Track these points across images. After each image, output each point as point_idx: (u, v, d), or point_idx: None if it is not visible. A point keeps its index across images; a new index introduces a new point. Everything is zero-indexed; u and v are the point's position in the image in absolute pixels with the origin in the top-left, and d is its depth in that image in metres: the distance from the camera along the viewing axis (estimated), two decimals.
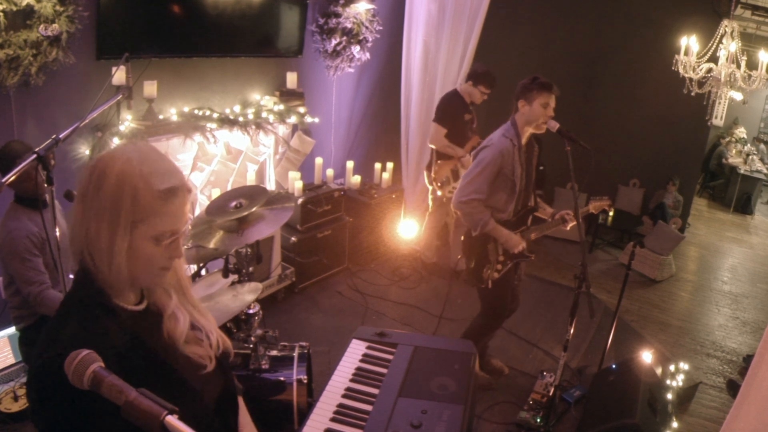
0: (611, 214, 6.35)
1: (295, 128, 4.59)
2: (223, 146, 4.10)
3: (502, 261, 3.17)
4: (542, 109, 2.96)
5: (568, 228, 3.22)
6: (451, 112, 4.48)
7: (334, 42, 4.67)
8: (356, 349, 2.10)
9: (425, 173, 4.76)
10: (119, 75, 3.01)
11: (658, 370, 3.49)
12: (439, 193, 4.68)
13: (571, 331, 2.99)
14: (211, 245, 2.60)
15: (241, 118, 4.05)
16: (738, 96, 6.83)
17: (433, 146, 4.60)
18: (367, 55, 4.98)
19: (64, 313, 1.14)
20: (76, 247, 1.15)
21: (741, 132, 10.14)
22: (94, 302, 1.13)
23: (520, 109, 3.03)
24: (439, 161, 4.59)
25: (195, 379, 1.24)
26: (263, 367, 2.64)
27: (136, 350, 1.13)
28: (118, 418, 0.94)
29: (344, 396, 1.86)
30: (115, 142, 3.31)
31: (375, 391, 1.88)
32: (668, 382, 3.52)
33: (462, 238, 3.28)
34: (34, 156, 1.99)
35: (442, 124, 4.46)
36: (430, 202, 4.85)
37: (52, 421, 1.04)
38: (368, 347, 2.11)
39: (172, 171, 1.17)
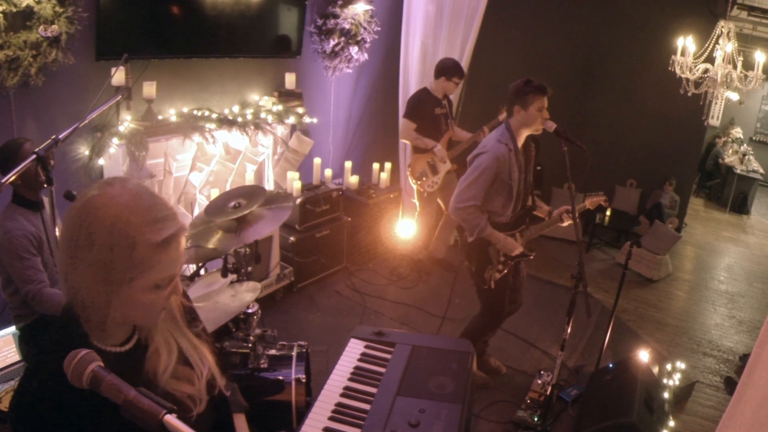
0: (608, 213, 6.38)
1: (293, 128, 4.60)
2: (222, 146, 4.10)
3: (503, 261, 3.19)
4: (538, 112, 2.98)
5: (565, 224, 3.24)
6: (420, 107, 4.59)
7: (332, 43, 4.69)
8: (354, 349, 2.11)
9: (408, 171, 4.82)
10: (118, 76, 3.02)
11: (655, 369, 3.51)
12: (414, 186, 4.77)
13: (569, 330, 3.01)
14: (210, 245, 2.61)
15: (239, 119, 4.06)
16: (734, 96, 6.86)
17: (404, 141, 4.81)
18: (365, 55, 4.99)
19: (47, 350, 1.11)
20: (67, 295, 1.08)
21: (737, 132, 10.16)
22: (75, 345, 1.05)
23: (515, 114, 3.04)
24: (414, 155, 4.72)
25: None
26: (262, 366, 2.65)
27: None
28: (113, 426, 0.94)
29: (342, 395, 1.87)
30: (115, 142, 3.32)
31: (373, 390, 1.89)
32: (665, 381, 3.54)
33: (459, 240, 3.30)
34: (34, 156, 2.01)
35: (411, 119, 4.60)
36: (417, 202, 4.89)
37: None
38: (366, 346, 2.12)
39: (166, 216, 1.08)
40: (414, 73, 5.27)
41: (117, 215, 1.02)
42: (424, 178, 4.66)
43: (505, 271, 3.21)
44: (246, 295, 2.62)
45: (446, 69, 4.55)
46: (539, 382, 3.58)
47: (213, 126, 3.87)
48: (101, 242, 1.01)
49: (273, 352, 2.74)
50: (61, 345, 1.08)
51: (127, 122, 3.39)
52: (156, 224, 1.05)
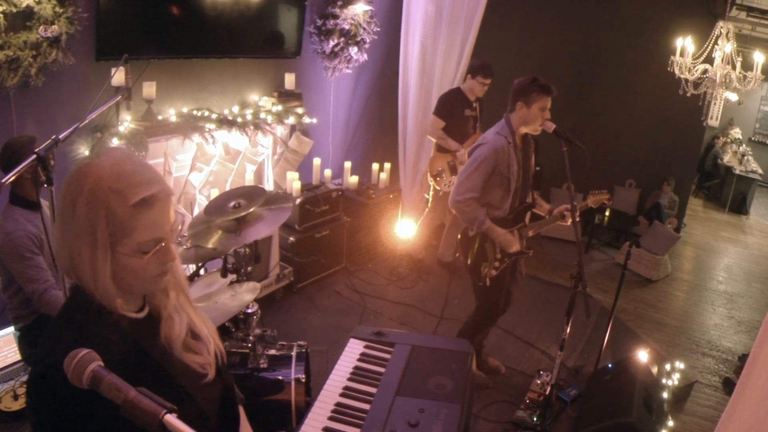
0: (607, 214, 6.39)
1: (293, 129, 4.60)
2: (221, 147, 4.11)
3: (500, 258, 3.18)
4: (540, 112, 2.98)
5: (568, 223, 3.22)
6: (450, 106, 4.59)
7: (332, 43, 4.69)
8: (354, 349, 2.11)
9: (427, 167, 4.84)
10: (118, 76, 3.02)
11: (654, 369, 3.52)
12: (431, 183, 4.77)
13: (568, 330, 3.01)
14: (210, 245, 2.61)
15: (239, 119, 4.06)
16: (733, 97, 6.86)
17: (429, 138, 4.82)
18: (365, 56, 5.00)
19: (65, 320, 1.13)
20: (62, 266, 1.11)
21: (736, 132, 10.18)
22: (94, 311, 1.11)
23: (517, 110, 3.04)
24: (436, 153, 4.73)
25: (194, 388, 1.22)
26: (261, 366, 2.65)
27: (137, 358, 1.12)
28: (116, 422, 0.95)
29: (342, 395, 1.88)
30: (115, 142, 3.32)
31: (373, 390, 1.89)
32: (664, 381, 3.55)
33: (459, 236, 3.30)
34: (34, 156, 2.01)
35: (440, 117, 4.61)
36: (429, 197, 4.90)
37: (47, 427, 1.05)
38: (366, 346, 2.13)
39: (147, 180, 1.10)
40: (413, 74, 5.27)
41: (96, 181, 1.06)
42: (441, 177, 4.67)
43: (502, 268, 3.21)
44: (245, 295, 2.62)
45: (471, 67, 4.58)
46: (538, 382, 3.59)
47: (213, 126, 3.87)
48: (81, 209, 1.05)
49: (272, 352, 2.74)
50: (81, 310, 1.11)
51: (127, 122, 3.39)
52: (133, 187, 1.07)
